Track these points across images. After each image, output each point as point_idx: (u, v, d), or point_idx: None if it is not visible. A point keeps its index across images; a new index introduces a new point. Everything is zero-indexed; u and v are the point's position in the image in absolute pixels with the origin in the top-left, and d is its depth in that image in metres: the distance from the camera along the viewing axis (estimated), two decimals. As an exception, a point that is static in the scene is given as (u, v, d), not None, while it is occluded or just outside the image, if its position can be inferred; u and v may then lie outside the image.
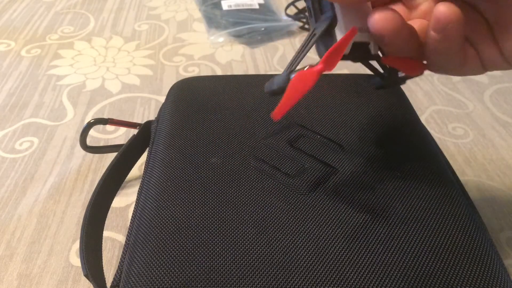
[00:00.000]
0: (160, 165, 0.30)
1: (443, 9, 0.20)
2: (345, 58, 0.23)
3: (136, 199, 0.30)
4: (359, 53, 0.23)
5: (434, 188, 0.28)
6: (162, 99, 0.58)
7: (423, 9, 0.24)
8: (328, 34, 0.23)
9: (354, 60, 0.24)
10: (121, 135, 0.51)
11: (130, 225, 0.28)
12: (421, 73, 0.25)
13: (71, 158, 0.47)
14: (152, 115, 0.54)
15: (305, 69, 0.22)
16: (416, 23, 0.24)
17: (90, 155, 0.48)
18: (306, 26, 0.76)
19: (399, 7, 0.25)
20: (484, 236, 0.26)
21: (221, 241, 0.24)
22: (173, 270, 0.23)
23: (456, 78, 0.62)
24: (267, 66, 0.66)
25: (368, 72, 0.25)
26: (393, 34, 0.21)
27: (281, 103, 0.22)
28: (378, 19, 0.21)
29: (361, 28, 0.22)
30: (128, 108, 0.55)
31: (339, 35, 0.23)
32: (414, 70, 0.24)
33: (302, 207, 0.27)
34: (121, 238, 0.39)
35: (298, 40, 0.73)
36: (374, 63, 0.25)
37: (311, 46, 0.23)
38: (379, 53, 0.24)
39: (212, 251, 0.24)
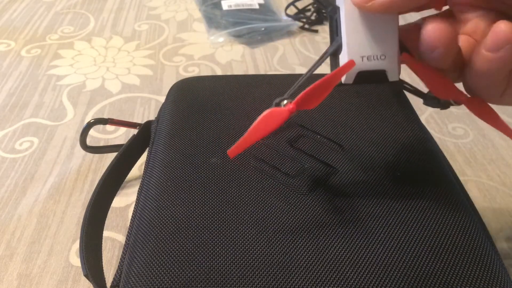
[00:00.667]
0: (160, 165, 0.30)
1: (505, 28, 0.18)
2: (349, 84, 0.21)
3: (136, 199, 0.30)
4: (371, 80, 0.22)
5: (434, 188, 0.28)
6: (162, 99, 0.58)
7: (471, 26, 0.22)
8: (335, 59, 0.22)
9: (364, 83, 0.22)
10: (121, 135, 0.51)
11: (130, 225, 0.28)
12: (456, 102, 0.22)
13: (71, 158, 0.47)
14: (152, 115, 0.54)
15: (284, 103, 0.20)
16: (460, 40, 0.22)
17: (90, 155, 0.48)
18: (306, 26, 0.76)
19: (446, 17, 0.23)
20: (484, 236, 0.26)
21: (221, 241, 0.24)
22: (173, 270, 0.23)
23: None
24: (267, 66, 0.66)
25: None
26: (446, 48, 0.20)
27: (241, 139, 0.20)
28: (432, 30, 0.20)
29: (377, 55, 0.21)
30: (128, 108, 0.56)
31: (342, 63, 0.21)
32: (441, 90, 0.22)
33: (302, 207, 0.27)
34: (121, 238, 0.39)
35: (298, 40, 0.73)
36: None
37: (315, 69, 0.22)
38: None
39: (212, 251, 0.24)
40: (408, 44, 0.22)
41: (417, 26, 0.22)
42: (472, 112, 0.22)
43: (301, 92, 0.20)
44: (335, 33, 0.22)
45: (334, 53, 0.22)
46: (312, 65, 0.22)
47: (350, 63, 0.20)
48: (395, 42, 0.21)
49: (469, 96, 0.22)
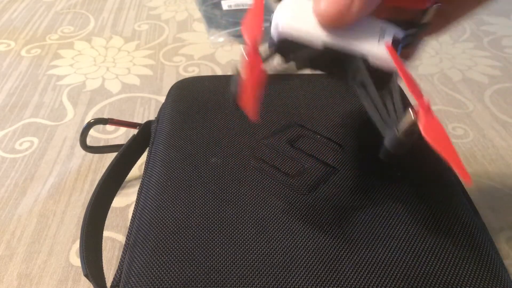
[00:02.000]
0: (160, 165, 0.30)
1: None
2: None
3: (136, 199, 0.30)
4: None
5: (434, 188, 0.28)
6: (162, 99, 0.58)
7: None
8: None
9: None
10: (121, 135, 0.51)
11: (130, 225, 0.28)
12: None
13: (71, 158, 0.47)
14: (152, 115, 0.54)
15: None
16: None
17: (90, 155, 0.48)
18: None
19: None
20: (484, 236, 0.26)
21: (221, 241, 0.24)
22: (173, 270, 0.23)
23: (456, 78, 0.62)
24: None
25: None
26: None
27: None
28: None
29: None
30: (128, 108, 0.55)
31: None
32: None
33: (302, 207, 0.27)
34: (121, 238, 0.39)
35: (298, 40, 0.73)
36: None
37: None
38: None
39: (212, 251, 0.24)
40: None
41: None
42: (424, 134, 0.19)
43: None
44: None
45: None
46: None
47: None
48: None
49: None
